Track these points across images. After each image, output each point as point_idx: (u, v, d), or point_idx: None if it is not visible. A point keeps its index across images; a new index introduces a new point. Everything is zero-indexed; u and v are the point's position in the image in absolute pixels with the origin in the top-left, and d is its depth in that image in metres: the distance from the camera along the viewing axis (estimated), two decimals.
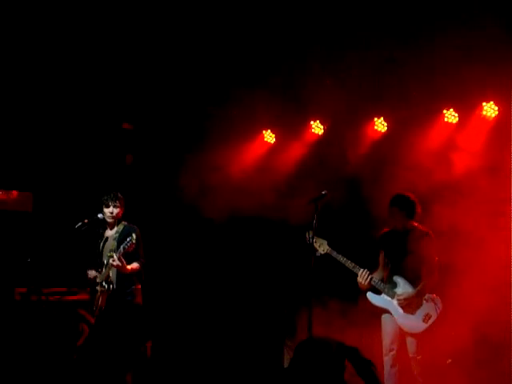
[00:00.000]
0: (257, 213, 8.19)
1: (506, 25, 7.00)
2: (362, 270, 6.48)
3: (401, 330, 6.55)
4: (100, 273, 6.78)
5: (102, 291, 6.66)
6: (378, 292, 6.58)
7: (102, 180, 8.69)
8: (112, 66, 8.42)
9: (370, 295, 6.60)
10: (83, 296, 7.56)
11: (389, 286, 6.54)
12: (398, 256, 6.58)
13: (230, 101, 8.47)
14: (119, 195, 6.99)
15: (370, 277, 6.47)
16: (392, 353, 6.55)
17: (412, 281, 6.51)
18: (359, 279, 6.48)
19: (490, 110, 7.69)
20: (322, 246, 6.54)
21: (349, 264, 6.49)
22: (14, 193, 8.73)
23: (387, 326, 6.63)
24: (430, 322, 6.43)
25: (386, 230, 6.80)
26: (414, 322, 6.45)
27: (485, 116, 7.75)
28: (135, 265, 6.74)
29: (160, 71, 8.52)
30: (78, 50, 8.05)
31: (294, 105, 8.41)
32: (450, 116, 7.92)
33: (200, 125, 9.10)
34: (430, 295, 6.50)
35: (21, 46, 7.81)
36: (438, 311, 6.45)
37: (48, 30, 7.71)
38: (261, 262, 8.69)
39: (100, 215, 6.95)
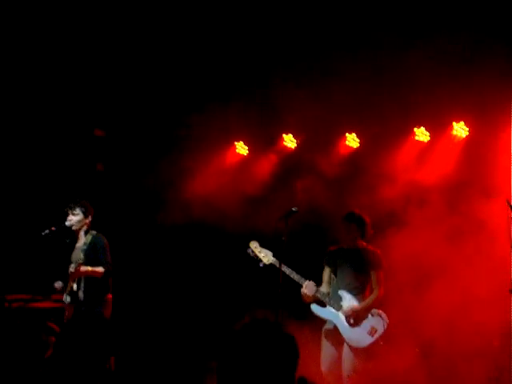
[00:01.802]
0: (224, 224, 8.20)
1: (478, 45, 7.11)
2: (307, 281, 6.43)
3: (339, 345, 6.48)
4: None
5: (68, 303, 6.55)
6: (322, 304, 6.54)
7: (71, 187, 8.60)
8: (86, 70, 8.35)
9: (314, 307, 6.53)
10: (47, 304, 7.46)
11: (334, 299, 6.52)
12: (345, 272, 6.58)
13: (203, 111, 8.44)
14: (82, 203, 6.84)
15: (315, 289, 6.44)
16: (331, 375, 6.48)
17: (357, 296, 6.52)
18: (304, 290, 6.40)
19: (459, 130, 7.78)
20: (266, 257, 6.49)
21: (294, 275, 6.40)
22: None
23: (326, 344, 6.56)
24: (376, 335, 6.41)
25: (332, 248, 6.79)
26: (359, 336, 6.41)
27: (455, 136, 7.84)
28: (99, 268, 6.60)
29: (135, 77, 8.47)
30: (51, 55, 7.98)
31: (267, 117, 8.45)
32: (421, 134, 7.99)
33: (172, 133, 9.09)
34: (377, 310, 6.52)
35: None
36: (385, 326, 6.45)
37: (22, 35, 7.62)
38: (222, 276, 8.65)
39: (67, 222, 6.84)
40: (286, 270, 6.39)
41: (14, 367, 3.90)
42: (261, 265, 6.47)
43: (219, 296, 8.63)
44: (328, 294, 6.57)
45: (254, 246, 6.54)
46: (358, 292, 6.54)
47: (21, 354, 3.98)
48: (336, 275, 6.64)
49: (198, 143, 8.83)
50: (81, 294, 6.52)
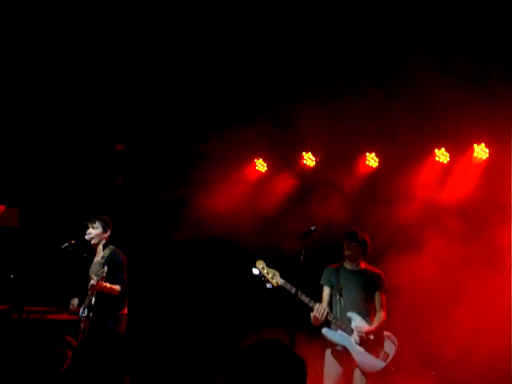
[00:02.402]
0: (241, 241, 8.20)
1: (499, 66, 7.10)
2: (318, 304, 6.27)
3: (348, 368, 6.38)
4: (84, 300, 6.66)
5: (83, 317, 6.53)
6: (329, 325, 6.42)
7: (91, 200, 8.65)
8: (108, 86, 8.42)
9: (326, 331, 6.38)
10: (64, 316, 7.48)
11: (345, 322, 6.38)
12: (353, 294, 6.46)
13: (223, 127, 8.48)
14: (102, 217, 6.82)
15: (326, 312, 6.29)
16: None
17: (366, 318, 6.41)
18: (316, 314, 6.21)
19: (480, 152, 7.75)
20: (274, 278, 6.28)
21: (304, 298, 6.16)
22: (2, 208, 8.67)
23: (331, 365, 6.44)
24: (388, 360, 6.34)
25: (332, 265, 6.63)
26: (373, 360, 6.33)
27: (476, 157, 7.81)
28: (116, 286, 6.56)
29: (156, 93, 8.53)
30: (73, 70, 8.06)
31: (287, 135, 8.46)
32: (441, 155, 7.96)
33: (192, 149, 9.13)
34: (387, 333, 6.44)
35: (9, 64, 7.80)
36: (395, 349, 6.37)
37: (41, 49, 7.71)
38: (237, 293, 8.63)
39: (86, 236, 6.86)
40: (294, 291, 6.16)
41: (30, 380, 3.91)
42: (268, 286, 6.28)
43: (233, 313, 8.60)
44: (338, 318, 6.38)
45: (261, 266, 6.33)
46: (366, 314, 6.43)
47: (38, 367, 3.99)
48: (341, 296, 6.47)
49: (217, 159, 8.85)
50: (95, 309, 6.49)
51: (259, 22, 7.49)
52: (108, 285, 6.44)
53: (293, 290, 6.17)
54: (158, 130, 9.09)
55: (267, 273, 6.30)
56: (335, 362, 6.42)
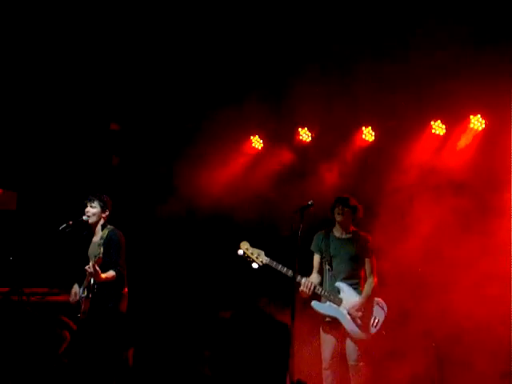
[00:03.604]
0: (238, 218, 8.22)
1: (494, 37, 7.07)
2: (305, 279, 6.35)
3: (342, 337, 6.47)
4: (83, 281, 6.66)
5: (83, 298, 6.54)
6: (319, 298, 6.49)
7: (88, 181, 8.63)
8: (102, 64, 8.38)
9: (315, 304, 6.46)
10: (65, 297, 7.49)
11: (333, 293, 6.45)
12: (342, 263, 6.51)
13: (219, 105, 8.45)
14: (101, 196, 6.80)
15: (313, 286, 6.35)
16: (333, 367, 6.48)
17: (355, 287, 6.49)
18: (303, 288, 6.29)
19: (477, 123, 7.73)
20: (259, 257, 6.36)
21: (290, 273, 6.19)
22: None
23: (327, 337, 6.52)
24: (378, 326, 6.42)
25: (321, 232, 6.66)
26: (363, 328, 6.40)
27: (472, 129, 7.80)
28: (110, 273, 6.52)
29: (150, 71, 8.49)
30: (66, 50, 8.02)
31: (282, 111, 8.43)
32: (438, 128, 7.95)
33: (187, 127, 9.10)
34: (376, 299, 6.50)
35: (6, 47, 7.75)
36: (385, 314, 6.45)
37: (35, 31, 7.66)
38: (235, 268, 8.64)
39: (84, 217, 6.85)
40: (282, 268, 6.30)
41: (28, 361, 3.92)
42: (254, 266, 6.36)
43: (229, 288, 8.61)
44: (324, 287, 6.47)
45: (246, 247, 6.40)
46: (355, 282, 6.49)
47: (35, 349, 4.00)
48: (331, 265, 6.53)
49: (213, 137, 8.82)
50: (95, 289, 6.49)
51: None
52: (103, 276, 6.42)
53: (279, 267, 6.28)
54: (152, 108, 9.06)
55: (252, 253, 6.38)
56: (327, 337, 6.51)
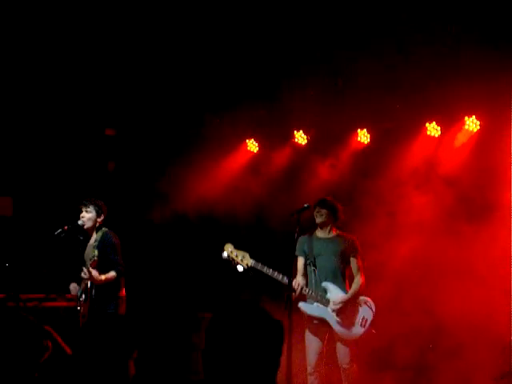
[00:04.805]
0: (234, 222, 8.21)
1: (489, 41, 7.08)
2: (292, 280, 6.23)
3: (329, 340, 6.43)
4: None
5: (81, 302, 6.53)
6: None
7: (83, 186, 8.62)
8: (97, 70, 8.38)
9: (303, 305, 6.40)
10: (62, 303, 7.48)
11: (320, 293, 6.39)
12: (327, 263, 6.45)
13: (214, 110, 8.46)
14: (96, 201, 6.79)
15: (300, 287, 6.29)
16: (318, 372, 6.39)
17: (341, 286, 6.43)
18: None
19: (472, 124, 7.73)
20: (244, 260, 6.27)
21: (276, 275, 6.19)
22: None
23: (312, 341, 6.45)
24: (367, 325, 6.38)
25: (303, 235, 6.54)
26: (351, 328, 6.36)
27: (467, 130, 7.80)
28: (111, 274, 6.53)
29: (146, 76, 8.49)
30: (62, 56, 8.02)
31: (277, 114, 8.44)
32: (433, 129, 7.95)
33: (183, 132, 9.10)
34: (364, 297, 6.47)
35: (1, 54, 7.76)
36: (373, 313, 6.41)
37: (30, 37, 7.66)
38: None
39: (79, 222, 6.84)
40: (267, 270, 6.24)
41: (8, 372, 3.86)
42: (240, 268, 6.27)
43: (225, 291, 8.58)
44: (311, 288, 6.40)
45: (230, 250, 6.31)
46: (340, 281, 6.43)
47: (15, 358, 3.95)
48: (315, 266, 6.46)
49: (209, 141, 8.82)
50: (93, 292, 6.48)
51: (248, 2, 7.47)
52: (103, 277, 6.42)
53: (264, 269, 6.22)
54: (147, 113, 9.05)
55: (236, 255, 6.29)
56: (314, 337, 6.44)
